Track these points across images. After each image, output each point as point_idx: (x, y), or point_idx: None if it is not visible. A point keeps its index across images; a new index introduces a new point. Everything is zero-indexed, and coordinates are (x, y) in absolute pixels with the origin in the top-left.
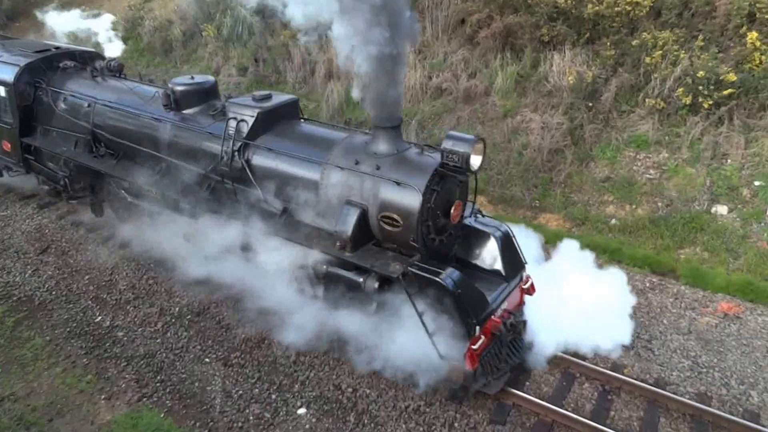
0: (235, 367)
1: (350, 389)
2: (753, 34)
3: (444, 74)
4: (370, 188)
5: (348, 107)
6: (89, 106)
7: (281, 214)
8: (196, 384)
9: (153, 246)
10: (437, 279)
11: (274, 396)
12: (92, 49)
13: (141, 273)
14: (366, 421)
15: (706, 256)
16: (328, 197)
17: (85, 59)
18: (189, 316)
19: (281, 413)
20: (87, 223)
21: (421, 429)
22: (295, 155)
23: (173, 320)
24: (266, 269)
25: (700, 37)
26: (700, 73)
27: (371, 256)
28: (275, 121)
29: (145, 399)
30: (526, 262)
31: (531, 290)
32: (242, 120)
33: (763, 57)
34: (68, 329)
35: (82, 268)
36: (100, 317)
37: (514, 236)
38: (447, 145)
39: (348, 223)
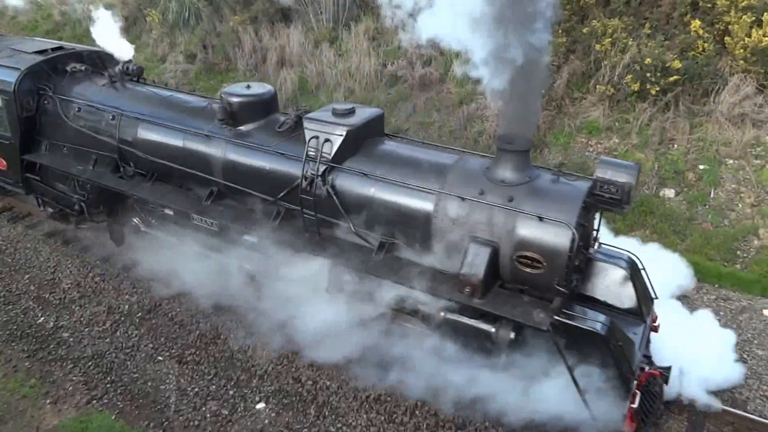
0: (190, 364)
1: (310, 382)
2: (696, 23)
3: (399, 62)
4: (503, 223)
5: (302, 95)
6: (114, 118)
7: (378, 250)
8: (149, 383)
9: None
10: (593, 329)
11: (231, 392)
12: (101, 49)
13: (86, 270)
14: (327, 413)
15: (655, 239)
16: (444, 232)
17: (94, 61)
18: (140, 314)
19: (239, 409)
20: (26, 219)
21: (383, 418)
22: (400, 182)
23: (123, 318)
24: (360, 314)
25: (647, 25)
26: (648, 60)
27: (505, 303)
28: (362, 139)
29: (94, 401)
30: (656, 297)
31: (656, 328)
32: (327, 140)
33: (706, 44)
34: (8, 332)
35: (22, 267)
36: (42, 318)
37: (643, 266)
38: (602, 173)
39: (478, 265)
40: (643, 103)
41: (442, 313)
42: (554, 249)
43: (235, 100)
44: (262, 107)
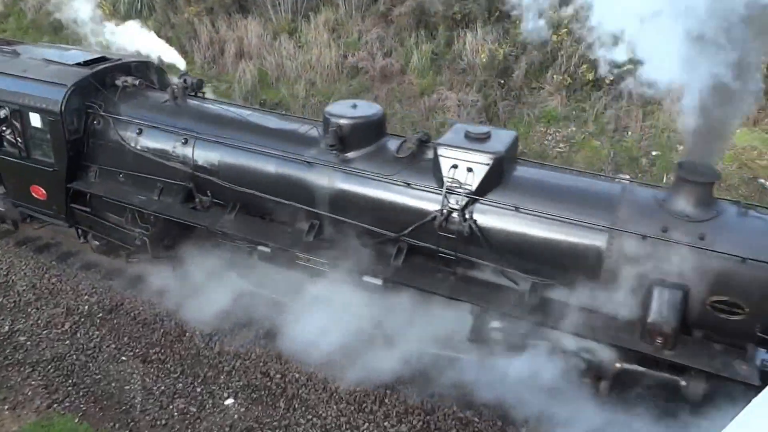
0: (156, 363)
1: (279, 375)
2: None
3: (360, 53)
4: (695, 265)
5: (262, 88)
6: (186, 142)
7: (531, 292)
8: (113, 384)
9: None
10: None
11: (199, 389)
12: (148, 59)
13: (42, 271)
14: (297, 405)
15: None
16: (618, 274)
17: (143, 73)
18: (100, 314)
19: (207, 406)
20: None
21: (353, 408)
22: (563, 217)
23: (82, 319)
24: (509, 365)
25: None
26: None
27: (698, 353)
28: (505, 166)
29: (55, 405)
30: None
31: None
32: (469, 169)
33: None
34: None
35: None
36: None
37: None
38: None
39: (669, 312)
40: (598, 91)
41: (618, 364)
42: (761, 293)
43: (344, 122)
44: (373, 130)
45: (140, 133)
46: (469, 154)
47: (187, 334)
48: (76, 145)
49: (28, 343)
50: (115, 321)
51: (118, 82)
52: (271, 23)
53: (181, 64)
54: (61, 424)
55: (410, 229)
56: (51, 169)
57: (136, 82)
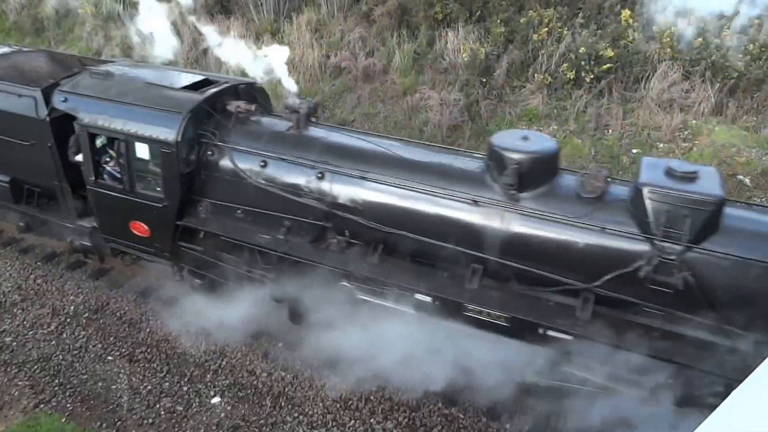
0: (142, 363)
1: (265, 374)
2: (626, 12)
3: (342, 53)
4: None
5: None
6: (322, 176)
7: (755, 353)
8: (100, 384)
9: None
10: None
11: (185, 388)
12: (253, 80)
13: (27, 272)
14: (283, 403)
15: None
16: None
17: (250, 95)
18: (86, 314)
19: (194, 404)
20: None
21: (338, 405)
22: None
23: (68, 320)
24: None
25: (581, 14)
26: (582, 50)
27: None
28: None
29: (42, 405)
30: None
31: None
32: (685, 215)
33: (636, 33)
34: None
35: None
36: None
37: None
38: None
39: None
40: (579, 90)
41: None
42: None
43: (521, 157)
44: (551, 166)
45: (265, 165)
46: (684, 197)
47: (173, 333)
48: (188, 178)
49: (14, 343)
50: (101, 321)
51: (230, 108)
52: (253, 24)
53: (291, 84)
54: (48, 424)
55: (605, 278)
56: (160, 205)
57: (251, 107)
